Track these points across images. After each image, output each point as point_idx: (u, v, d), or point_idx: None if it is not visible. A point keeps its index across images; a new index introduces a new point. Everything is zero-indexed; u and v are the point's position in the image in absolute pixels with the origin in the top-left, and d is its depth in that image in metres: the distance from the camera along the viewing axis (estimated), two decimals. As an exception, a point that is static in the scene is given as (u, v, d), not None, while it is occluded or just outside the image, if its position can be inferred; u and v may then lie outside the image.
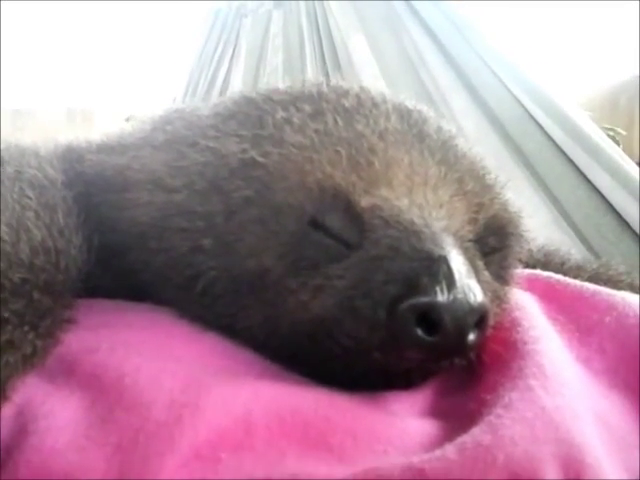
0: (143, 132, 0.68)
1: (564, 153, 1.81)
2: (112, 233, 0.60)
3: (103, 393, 0.45)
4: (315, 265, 0.51)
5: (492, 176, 0.61)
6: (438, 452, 0.40)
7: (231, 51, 2.61)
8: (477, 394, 0.49)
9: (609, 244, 1.70)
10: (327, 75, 2.26)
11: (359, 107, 0.57)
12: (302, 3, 2.58)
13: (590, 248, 1.70)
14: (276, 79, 2.50)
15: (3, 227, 0.50)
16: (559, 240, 1.54)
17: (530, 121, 1.96)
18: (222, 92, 2.54)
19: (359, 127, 0.55)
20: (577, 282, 0.63)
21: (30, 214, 0.53)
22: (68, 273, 0.54)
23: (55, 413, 0.43)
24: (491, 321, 0.51)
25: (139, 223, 0.58)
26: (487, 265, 0.57)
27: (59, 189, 0.59)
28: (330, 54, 2.35)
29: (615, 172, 1.74)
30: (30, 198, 0.55)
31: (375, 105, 0.59)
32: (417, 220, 0.51)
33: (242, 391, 0.45)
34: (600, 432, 0.45)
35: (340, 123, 0.55)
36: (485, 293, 0.49)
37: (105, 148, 0.69)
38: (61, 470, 0.39)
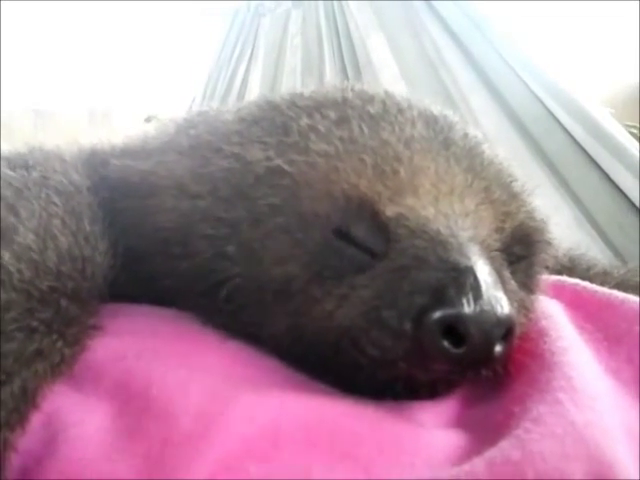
0: (167, 136, 0.68)
1: (586, 152, 1.79)
2: (137, 239, 0.60)
3: (130, 402, 0.45)
4: (340, 274, 0.50)
5: (519, 183, 0.60)
6: (466, 467, 0.40)
7: (249, 51, 2.61)
8: (504, 405, 0.48)
9: (632, 243, 1.67)
10: (346, 75, 2.26)
11: (384, 114, 0.57)
12: (321, 2, 2.57)
13: (613, 248, 1.68)
14: (295, 79, 2.50)
15: (30, 235, 0.50)
16: (581, 240, 1.51)
17: (551, 120, 1.93)
18: (241, 92, 2.54)
19: (384, 134, 0.54)
20: (605, 289, 0.62)
21: (57, 221, 0.53)
22: (94, 280, 0.54)
23: (84, 422, 0.43)
24: (518, 332, 0.51)
25: (163, 229, 0.59)
26: (513, 274, 0.56)
27: (84, 195, 0.60)
28: (349, 54, 2.34)
29: (638, 171, 1.72)
30: (57, 205, 0.55)
31: (401, 111, 0.58)
32: (443, 230, 0.50)
33: (269, 401, 0.45)
34: (630, 446, 0.44)
35: (365, 130, 0.55)
36: (512, 304, 0.48)
37: (129, 152, 0.69)
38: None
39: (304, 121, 0.56)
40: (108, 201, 0.62)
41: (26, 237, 0.50)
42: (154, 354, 0.50)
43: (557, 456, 0.39)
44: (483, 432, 0.47)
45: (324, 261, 0.51)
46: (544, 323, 0.55)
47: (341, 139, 0.54)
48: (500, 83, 2.05)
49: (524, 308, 0.56)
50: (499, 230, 0.55)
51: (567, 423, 0.42)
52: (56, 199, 0.56)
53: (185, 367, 0.48)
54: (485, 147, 0.60)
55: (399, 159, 0.53)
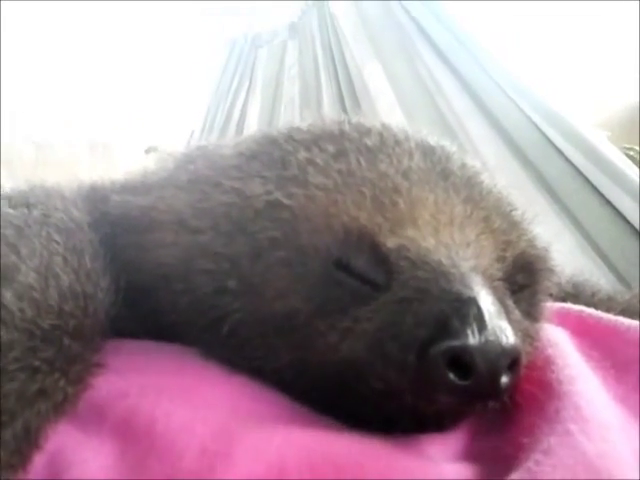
0: (166, 171, 0.68)
1: (585, 177, 1.79)
2: (138, 274, 0.60)
3: (134, 440, 0.44)
4: (343, 307, 0.50)
5: (519, 212, 0.60)
6: None
7: (247, 82, 2.65)
8: (513, 437, 0.47)
9: (634, 267, 1.67)
10: (343, 104, 2.29)
11: (382, 146, 0.57)
12: (317, 33, 2.61)
13: (616, 272, 1.67)
14: (293, 109, 2.53)
15: (32, 274, 0.50)
16: (584, 265, 1.51)
17: (549, 146, 1.95)
18: (239, 123, 2.57)
19: (382, 167, 0.54)
20: (610, 316, 0.61)
21: (58, 259, 0.53)
22: (96, 317, 0.54)
23: (87, 462, 0.42)
24: (524, 361, 0.50)
25: (164, 264, 0.58)
26: (516, 303, 0.56)
27: (85, 232, 0.60)
28: (346, 83, 2.37)
29: (638, 195, 1.72)
30: (58, 243, 0.55)
31: (398, 143, 0.58)
32: (445, 260, 0.50)
33: (274, 438, 0.45)
34: None
35: (363, 163, 0.55)
36: (516, 333, 0.48)
37: (129, 188, 0.69)
38: None
39: (302, 155, 0.56)
40: (109, 237, 0.62)
41: (27, 276, 0.50)
42: (158, 391, 0.49)
43: None
44: (492, 465, 0.46)
45: (326, 294, 0.51)
46: (550, 351, 0.55)
47: (339, 172, 0.54)
48: (496, 109, 2.07)
49: (529, 337, 0.55)
50: (500, 259, 0.54)
51: (578, 454, 0.41)
52: (57, 237, 0.56)
53: (189, 404, 0.48)
54: (484, 176, 0.60)
55: (398, 191, 0.53)
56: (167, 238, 0.59)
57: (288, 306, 0.52)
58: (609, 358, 0.55)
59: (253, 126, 2.51)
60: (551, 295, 0.64)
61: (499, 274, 0.53)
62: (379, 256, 0.51)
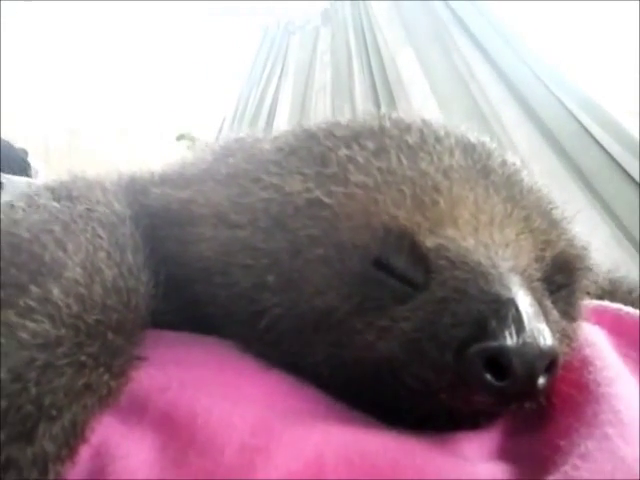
0: (205, 163, 0.68)
1: (622, 168, 1.76)
2: (177, 267, 0.61)
3: (175, 434, 0.45)
4: (381, 306, 0.50)
5: (559, 210, 0.59)
6: None
7: (279, 69, 2.64)
8: (550, 439, 0.47)
9: (671, 261, 1.64)
10: (375, 91, 2.27)
11: (422, 143, 0.57)
12: (350, 18, 2.59)
13: (652, 266, 1.64)
14: (325, 96, 2.52)
15: (78, 269, 0.51)
16: (620, 258, 1.49)
17: (586, 135, 1.91)
18: (271, 110, 2.57)
19: (423, 165, 0.54)
20: None
21: (102, 254, 0.54)
22: (138, 311, 0.55)
23: (131, 454, 0.43)
24: (561, 362, 0.50)
25: (203, 258, 0.59)
26: (554, 303, 0.55)
27: (127, 225, 0.60)
28: (378, 70, 2.35)
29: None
30: (102, 237, 0.56)
31: (438, 140, 0.58)
32: (484, 261, 0.50)
33: (313, 434, 0.45)
34: None
35: (404, 161, 0.54)
36: (554, 334, 0.47)
37: (168, 180, 0.70)
38: None
39: (342, 152, 0.56)
40: (149, 229, 0.62)
41: (74, 271, 0.51)
42: (198, 384, 0.50)
43: None
44: (528, 466, 0.46)
45: (364, 292, 0.51)
46: (588, 352, 0.54)
47: (380, 170, 0.54)
48: (532, 98, 2.04)
49: (567, 337, 0.55)
50: (539, 259, 0.54)
51: (617, 459, 0.41)
52: (101, 231, 0.57)
53: (229, 398, 0.48)
54: (524, 174, 0.60)
55: (438, 189, 0.53)
56: (206, 232, 0.60)
57: (326, 303, 0.52)
58: None
59: (284, 113, 2.52)
60: (589, 294, 0.63)
61: (538, 274, 0.53)
62: (418, 255, 0.51)
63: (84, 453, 0.44)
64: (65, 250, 0.52)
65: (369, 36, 2.47)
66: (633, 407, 0.47)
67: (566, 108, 2.00)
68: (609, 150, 1.84)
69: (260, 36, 2.74)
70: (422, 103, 2.11)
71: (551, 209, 0.58)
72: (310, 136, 0.61)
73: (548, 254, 0.54)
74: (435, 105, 2.10)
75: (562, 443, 0.45)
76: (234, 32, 2.98)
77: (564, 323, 0.55)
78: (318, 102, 2.47)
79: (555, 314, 0.53)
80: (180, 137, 2.67)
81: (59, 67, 3.23)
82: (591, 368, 0.52)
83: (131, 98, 3.24)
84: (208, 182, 0.63)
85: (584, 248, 0.60)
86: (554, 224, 0.57)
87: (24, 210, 0.57)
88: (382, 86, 2.28)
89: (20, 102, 3.14)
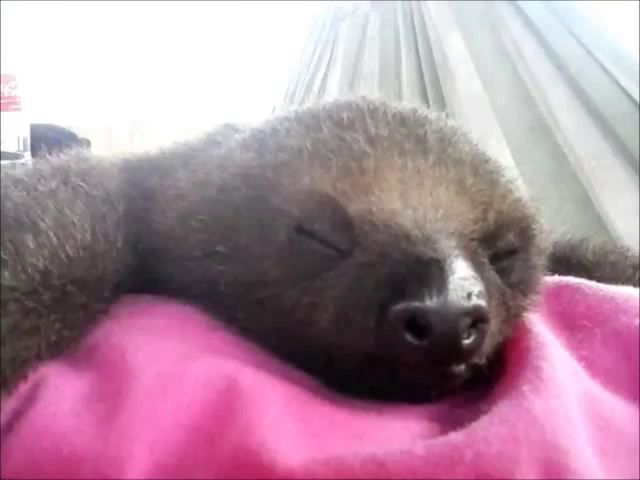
0: (189, 148, 0.73)
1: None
2: (147, 242, 0.64)
3: (107, 369, 0.48)
4: (309, 274, 0.51)
5: (502, 172, 0.57)
6: (404, 447, 0.38)
7: (328, 55, 2.64)
8: (477, 406, 0.46)
9: None
10: (421, 74, 2.24)
11: (355, 117, 0.57)
12: (399, 3, 2.56)
13: None
14: (372, 82, 2.50)
15: (53, 224, 0.56)
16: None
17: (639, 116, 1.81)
18: (319, 97, 2.58)
19: (352, 135, 0.55)
20: (610, 286, 0.58)
21: (78, 218, 0.58)
22: (106, 272, 0.58)
23: (63, 386, 0.46)
24: (499, 326, 0.49)
25: (162, 231, 0.63)
26: (507, 269, 0.53)
27: (112, 201, 0.65)
28: (425, 54, 2.32)
29: None
30: (85, 206, 0.60)
31: (372, 114, 0.58)
32: (409, 223, 0.49)
33: (227, 364, 0.47)
34: (612, 449, 0.41)
35: (335, 132, 0.55)
36: (486, 295, 0.46)
37: (154, 163, 0.74)
38: (58, 432, 0.43)
39: (283, 127, 0.58)
40: (135, 206, 0.67)
41: (49, 226, 0.55)
42: (141, 329, 0.52)
43: (502, 439, 0.37)
44: (449, 426, 0.45)
45: (292, 260, 0.52)
46: (528, 319, 0.53)
47: (311, 140, 0.55)
48: (583, 77, 1.95)
49: (514, 303, 0.53)
50: (478, 220, 0.52)
51: (522, 410, 0.40)
52: (82, 203, 0.61)
53: (165, 338, 0.50)
54: (461, 138, 0.58)
55: (365, 157, 0.53)
56: (167, 210, 0.63)
57: (262, 271, 0.53)
58: (600, 326, 0.52)
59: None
60: (545, 261, 0.60)
61: (475, 235, 0.52)
62: (343, 221, 0.51)
63: (23, 387, 0.47)
64: (46, 209, 0.57)
65: (417, 19, 2.43)
66: (556, 364, 0.45)
67: (621, 87, 1.90)
68: (664, 130, 1.73)
69: (309, 22, 2.75)
70: (467, 85, 2.06)
71: (492, 171, 0.56)
72: (268, 121, 0.64)
73: (490, 215, 0.53)
74: (480, 87, 2.04)
75: (484, 408, 0.44)
76: (284, 19, 3.00)
77: (508, 288, 0.53)
78: (365, 88, 2.46)
79: (493, 274, 0.52)
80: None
81: (124, 58, 3.37)
82: (529, 335, 0.50)
83: (189, 89, 3.34)
84: (181, 169, 0.67)
85: (535, 210, 0.58)
86: (495, 186, 0.55)
87: (22, 180, 0.62)
88: (428, 70, 2.24)
89: (84, 93, 3.30)
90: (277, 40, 3.03)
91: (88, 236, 0.58)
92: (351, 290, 0.48)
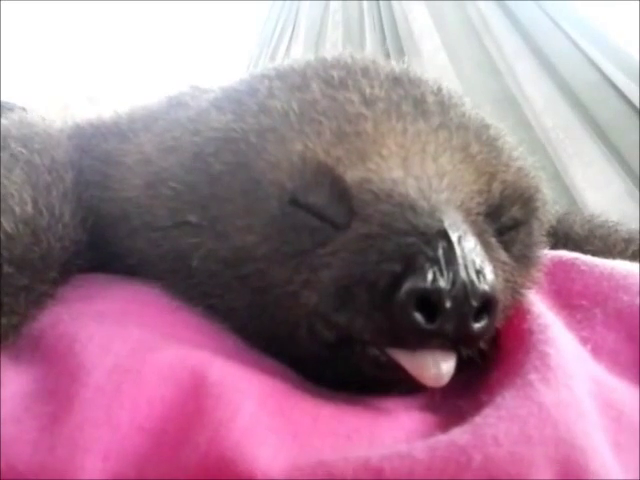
0: (151, 111, 0.67)
1: (642, 119, 1.65)
2: (104, 211, 0.59)
3: (55, 363, 0.42)
4: (301, 250, 0.46)
5: (507, 140, 0.54)
6: (403, 448, 0.34)
7: (291, 28, 2.57)
8: (474, 395, 0.42)
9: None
10: (385, 46, 2.19)
11: (347, 76, 0.52)
12: (363, -25, 2.49)
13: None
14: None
15: None
16: (633, 213, 1.40)
17: (607, 86, 1.80)
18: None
19: (345, 96, 0.49)
20: (608, 262, 0.54)
21: (18, 191, 0.52)
22: (50, 249, 0.52)
23: (1, 384, 0.41)
24: (504, 305, 0.45)
25: (126, 199, 0.57)
26: (509, 242, 0.50)
27: (58, 171, 0.59)
28: (390, 26, 2.26)
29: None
30: (26, 177, 0.55)
31: (365, 73, 0.53)
32: (413, 192, 0.45)
33: (192, 355, 0.42)
34: (617, 436, 0.38)
35: (326, 92, 0.50)
36: (495, 273, 0.42)
37: (111, 126, 0.68)
38: None
39: (264, 86, 0.53)
40: (85, 175, 0.61)
41: None
42: (92, 315, 0.47)
43: (514, 439, 0.34)
44: (449, 419, 0.41)
45: (282, 234, 0.47)
46: (528, 299, 0.49)
47: (299, 101, 0.50)
48: (550, 48, 1.93)
49: (518, 280, 0.50)
50: (483, 192, 0.48)
51: (533, 404, 0.36)
52: (22, 172, 0.55)
53: (120, 324, 0.45)
54: (464, 102, 0.54)
55: (361, 120, 0.48)
56: (132, 177, 0.58)
57: (245, 244, 0.48)
58: (599, 305, 0.49)
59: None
60: (547, 234, 0.57)
61: (481, 208, 0.48)
62: (340, 191, 0.46)
63: None
64: None
65: (381, -9, 2.38)
66: (563, 350, 0.42)
67: (588, 58, 1.88)
68: (632, 100, 1.73)
69: (271, -5, 2.67)
70: (432, 58, 2.02)
71: (497, 138, 0.52)
72: (242, 80, 0.58)
73: (494, 186, 0.49)
74: (446, 59, 2.00)
75: (485, 398, 0.40)
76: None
77: (513, 264, 0.50)
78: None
79: (501, 252, 0.48)
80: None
81: (79, 36, 3.23)
82: (528, 316, 0.47)
83: (144, 63, 3.22)
84: (142, 133, 0.62)
85: (538, 180, 0.54)
86: (500, 153, 0.51)
87: None
88: (392, 41, 2.19)
89: (39, 70, 3.15)
90: (238, 12, 2.94)
91: (29, 209, 0.52)
92: (352, 265, 0.43)
